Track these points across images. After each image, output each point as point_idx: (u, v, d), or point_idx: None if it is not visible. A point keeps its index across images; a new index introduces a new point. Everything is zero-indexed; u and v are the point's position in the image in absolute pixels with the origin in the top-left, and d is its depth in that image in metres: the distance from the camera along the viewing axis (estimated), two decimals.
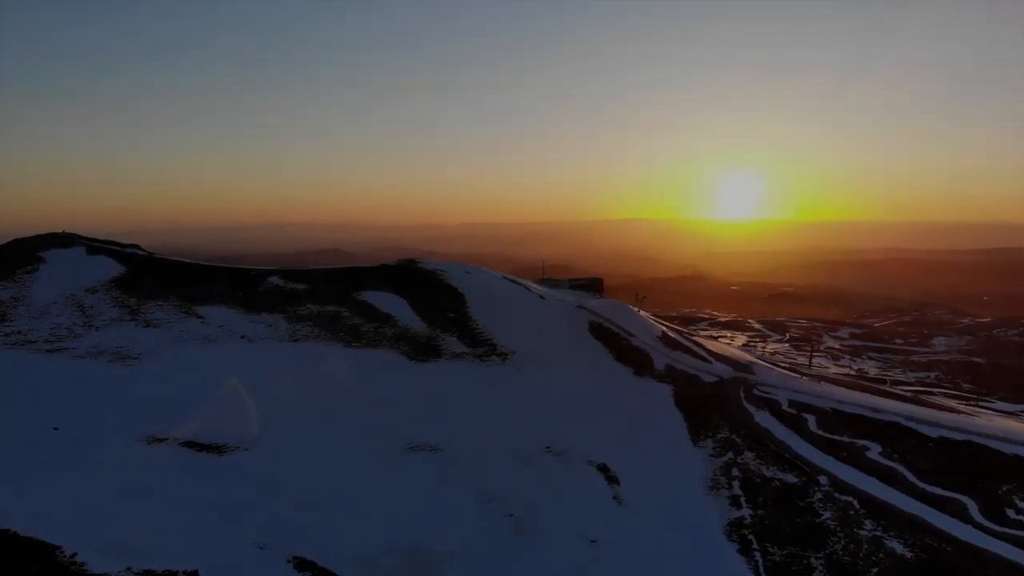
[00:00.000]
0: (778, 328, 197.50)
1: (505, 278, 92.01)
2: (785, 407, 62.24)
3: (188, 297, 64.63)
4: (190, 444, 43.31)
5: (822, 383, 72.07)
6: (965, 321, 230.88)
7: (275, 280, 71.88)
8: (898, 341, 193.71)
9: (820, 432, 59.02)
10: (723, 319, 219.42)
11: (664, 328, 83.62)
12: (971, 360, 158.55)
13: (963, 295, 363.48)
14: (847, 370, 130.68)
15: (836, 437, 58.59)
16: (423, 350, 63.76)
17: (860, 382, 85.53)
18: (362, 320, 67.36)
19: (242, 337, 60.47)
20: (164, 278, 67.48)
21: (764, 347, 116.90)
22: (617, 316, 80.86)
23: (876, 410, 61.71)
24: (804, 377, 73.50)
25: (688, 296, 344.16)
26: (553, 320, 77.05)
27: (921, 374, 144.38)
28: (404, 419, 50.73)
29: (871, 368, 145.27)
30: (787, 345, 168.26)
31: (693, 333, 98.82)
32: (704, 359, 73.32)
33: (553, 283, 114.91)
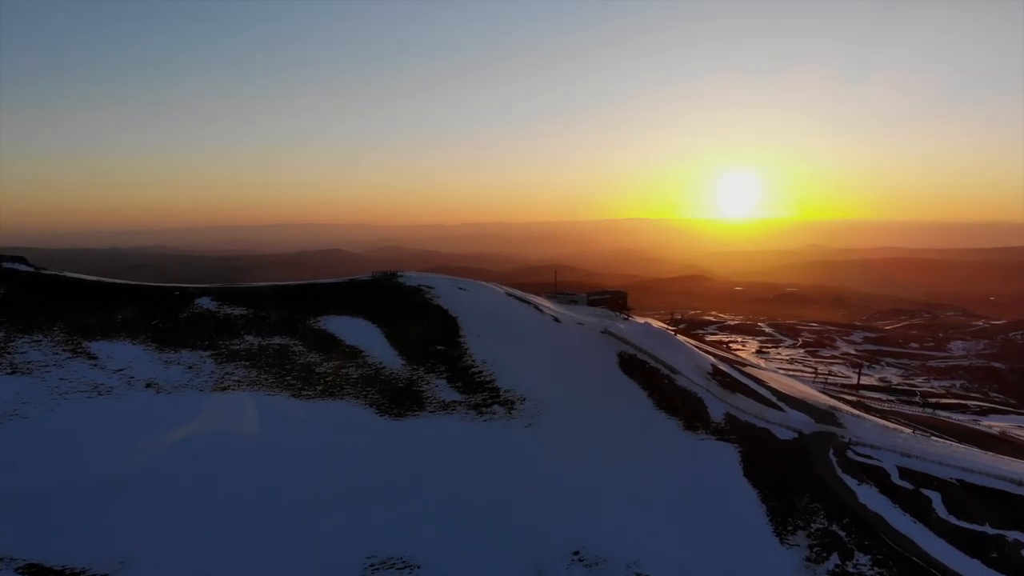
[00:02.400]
0: (789, 332, 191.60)
1: (509, 295, 73.48)
2: (896, 479, 45.00)
3: (81, 328, 47.15)
4: (34, 570, 29.12)
5: (932, 438, 53.51)
6: (979, 324, 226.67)
7: (205, 303, 53.74)
8: (913, 345, 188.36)
9: (952, 520, 42.12)
10: (732, 322, 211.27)
11: (712, 359, 64.71)
12: (992, 366, 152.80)
13: (969, 295, 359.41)
14: (871, 379, 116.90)
15: (977, 528, 41.42)
16: (399, 399, 46.31)
17: (958, 424, 66.60)
18: (319, 357, 49.89)
19: (148, 386, 43.28)
20: (51, 302, 50.06)
21: (820, 375, 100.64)
22: (654, 345, 62.76)
23: (1020, 483, 43.31)
24: (909, 429, 54.80)
25: (692, 296, 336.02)
26: (573, 352, 59.33)
27: (946, 382, 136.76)
28: (365, 513, 35.96)
29: (893, 376, 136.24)
30: (801, 351, 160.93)
31: (743, 362, 79.30)
32: (773, 404, 55.33)
33: (568, 298, 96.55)
